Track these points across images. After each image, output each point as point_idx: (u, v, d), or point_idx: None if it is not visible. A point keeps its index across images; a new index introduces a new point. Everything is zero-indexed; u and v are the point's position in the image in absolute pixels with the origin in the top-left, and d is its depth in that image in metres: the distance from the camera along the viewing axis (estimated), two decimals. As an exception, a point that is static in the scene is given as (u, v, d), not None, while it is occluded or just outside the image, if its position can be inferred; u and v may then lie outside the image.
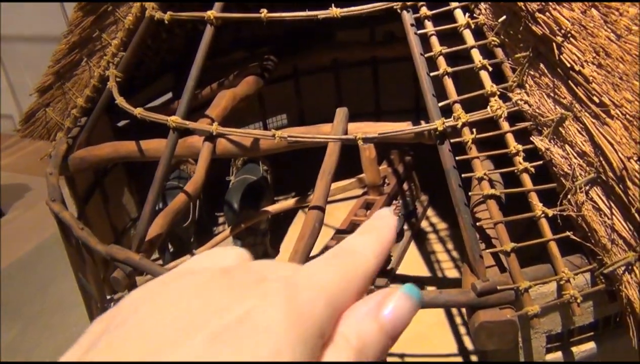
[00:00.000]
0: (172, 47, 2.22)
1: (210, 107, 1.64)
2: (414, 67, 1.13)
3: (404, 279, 1.89)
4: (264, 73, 1.90)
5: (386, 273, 1.84)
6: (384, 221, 0.30)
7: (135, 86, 2.04)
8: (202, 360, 0.21)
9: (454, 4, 1.09)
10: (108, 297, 1.63)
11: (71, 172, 1.73)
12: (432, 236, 2.12)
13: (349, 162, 1.80)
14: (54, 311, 2.15)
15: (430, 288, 1.88)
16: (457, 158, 1.03)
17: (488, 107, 1.08)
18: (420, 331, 1.65)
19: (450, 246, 2.04)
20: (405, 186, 2.10)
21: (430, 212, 2.25)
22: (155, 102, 2.23)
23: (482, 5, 1.11)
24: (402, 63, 2.79)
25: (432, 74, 1.08)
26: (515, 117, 1.09)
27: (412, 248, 2.05)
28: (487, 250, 1.10)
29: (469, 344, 1.63)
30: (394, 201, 1.99)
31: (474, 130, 1.07)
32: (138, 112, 1.33)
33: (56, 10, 3.49)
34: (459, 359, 1.63)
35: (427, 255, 2.01)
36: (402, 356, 1.62)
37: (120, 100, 1.44)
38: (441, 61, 1.08)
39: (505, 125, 1.07)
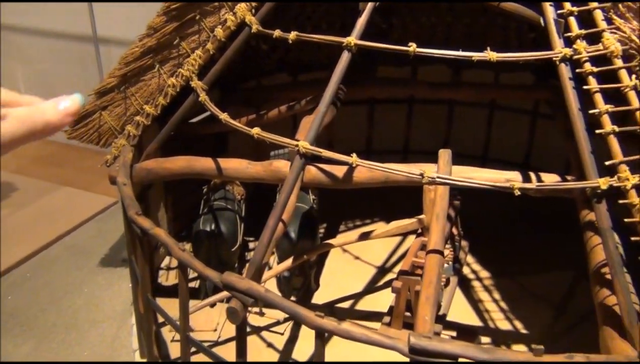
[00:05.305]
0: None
1: (299, 131, 1.58)
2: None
3: (457, 327, 1.85)
4: (336, 102, 1.85)
5: (439, 319, 1.79)
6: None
7: (178, 102, 1.85)
8: None
9: (618, 63, 1.09)
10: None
11: (134, 182, 1.61)
12: (476, 284, 2.09)
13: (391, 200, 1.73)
14: (70, 327, 1.99)
15: (485, 339, 1.85)
16: (626, 220, 1.01)
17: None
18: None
19: (497, 296, 2.02)
20: (453, 230, 2.08)
21: (469, 259, 2.23)
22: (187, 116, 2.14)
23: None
24: (438, 105, 2.83)
25: (598, 132, 1.06)
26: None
27: (459, 294, 2.02)
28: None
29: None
30: (447, 246, 1.96)
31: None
32: (255, 132, 1.26)
33: (66, 6, 3.32)
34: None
35: (475, 304, 1.98)
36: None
37: (224, 116, 1.36)
38: (606, 120, 1.07)
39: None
